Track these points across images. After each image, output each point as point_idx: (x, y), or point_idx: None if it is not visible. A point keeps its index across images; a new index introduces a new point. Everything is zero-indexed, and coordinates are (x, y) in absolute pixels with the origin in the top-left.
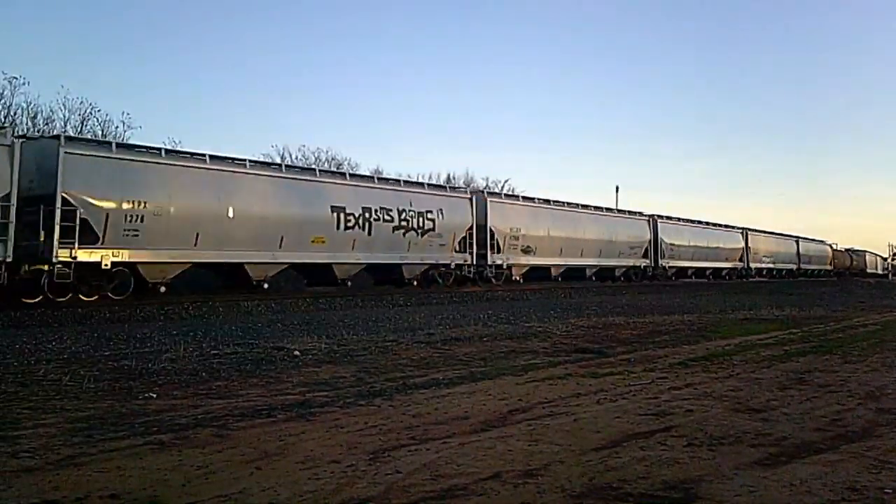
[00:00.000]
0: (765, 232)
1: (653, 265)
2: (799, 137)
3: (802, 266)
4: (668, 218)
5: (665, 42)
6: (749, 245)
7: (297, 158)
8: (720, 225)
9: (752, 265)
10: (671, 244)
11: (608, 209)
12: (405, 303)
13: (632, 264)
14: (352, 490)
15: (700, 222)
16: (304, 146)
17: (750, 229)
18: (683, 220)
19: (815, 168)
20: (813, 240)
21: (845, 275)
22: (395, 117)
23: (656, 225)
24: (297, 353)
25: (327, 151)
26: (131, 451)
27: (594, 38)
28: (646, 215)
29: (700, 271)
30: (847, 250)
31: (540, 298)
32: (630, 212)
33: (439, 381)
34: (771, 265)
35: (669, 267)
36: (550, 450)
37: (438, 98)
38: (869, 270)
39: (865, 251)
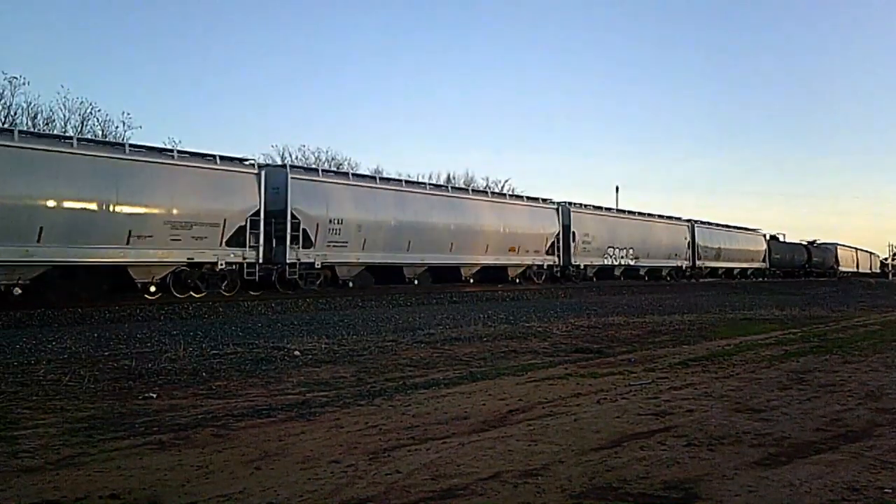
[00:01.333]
0: (609, 211)
1: (254, 261)
2: (800, 137)
3: (703, 263)
4: (337, 174)
5: (665, 42)
6: (573, 229)
7: (296, 158)
8: (518, 197)
9: (581, 260)
10: (339, 223)
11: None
12: (405, 303)
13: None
14: (352, 490)
15: (468, 190)
16: (304, 146)
17: (575, 205)
18: (428, 184)
19: (815, 167)
20: (725, 226)
21: (798, 275)
22: (395, 117)
23: (288, 187)
24: (297, 353)
25: (327, 151)
26: (131, 451)
27: (594, 39)
28: (250, 167)
29: (457, 269)
30: (807, 245)
31: (540, 298)
32: (221, 157)
33: (439, 381)
34: (627, 261)
35: (328, 264)
36: (550, 450)
37: (438, 98)
38: (843, 269)
39: (837, 245)
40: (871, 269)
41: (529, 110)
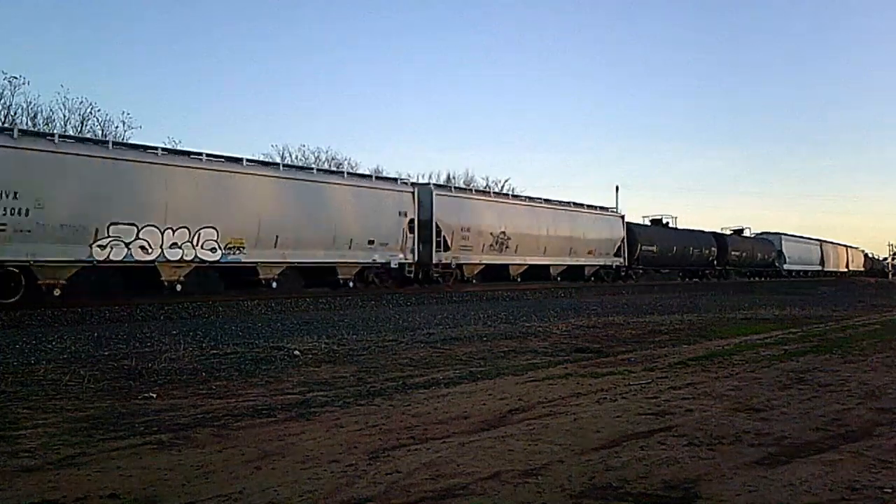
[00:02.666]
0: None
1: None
2: (801, 137)
3: (455, 258)
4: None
5: (665, 42)
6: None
7: (297, 158)
8: None
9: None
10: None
11: None
12: (405, 302)
13: None
14: (352, 490)
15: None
16: (304, 146)
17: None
18: None
19: (816, 168)
20: (521, 199)
21: (702, 275)
22: (395, 117)
23: None
24: (297, 352)
25: (327, 151)
26: (131, 451)
27: (595, 38)
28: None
29: None
30: (718, 234)
31: (539, 298)
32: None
33: (439, 380)
34: (198, 255)
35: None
36: (550, 449)
37: (438, 98)
38: (793, 267)
39: (782, 236)
40: (847, 267)
41: (530, 110)
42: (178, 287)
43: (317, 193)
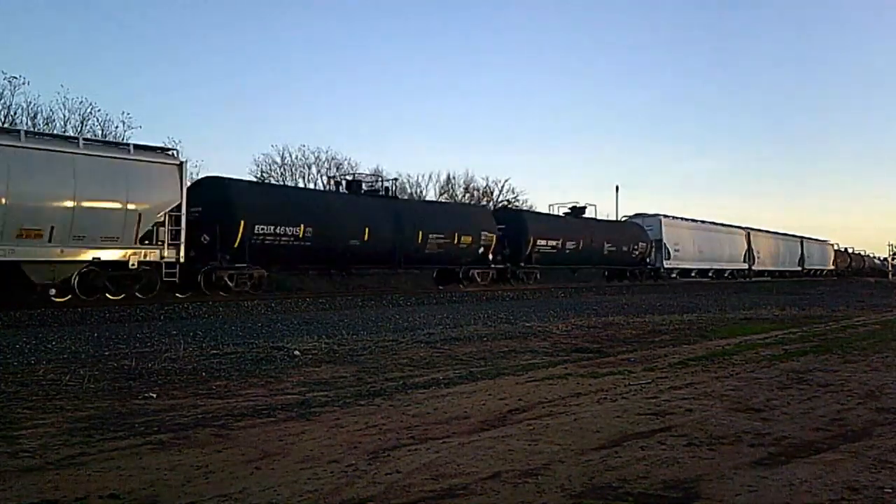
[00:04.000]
0: None
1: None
2: (800, 135)
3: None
4: None
5: (664, 41)
6: None
7: (296, 158)
8: None
9: None
10: None
11: None
12: (405, 303)
13: None
14: (352, 490)
15: None
16: (304, 146)
17: None
18: None
19: (816, 166)
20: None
21: (451, 273)
22: (395, 117)
23: None
24: (297, 352)
25: (327, 151)
26: (131, 451)
27: (594, 38)
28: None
29: None
30: (521, 210)
31: (540, 298)
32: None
33: (439, 380)
34: None
35: None
36: (550, 449)
37: (438, 98)
38: (688, 266)
39: (661, 218)
40: (801, 265)
41: (530, 110)
42: None
43: None
